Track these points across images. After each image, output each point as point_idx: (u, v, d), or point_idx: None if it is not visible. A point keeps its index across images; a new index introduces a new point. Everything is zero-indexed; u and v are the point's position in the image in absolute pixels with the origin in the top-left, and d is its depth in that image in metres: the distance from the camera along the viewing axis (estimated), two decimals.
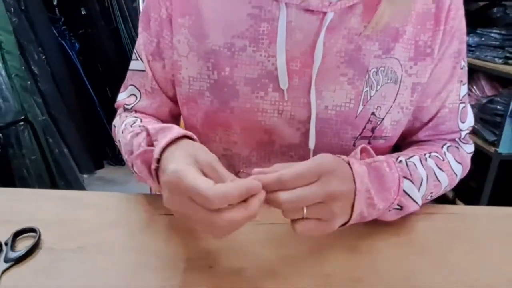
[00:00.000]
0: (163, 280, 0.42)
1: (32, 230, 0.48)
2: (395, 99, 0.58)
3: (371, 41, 0.56)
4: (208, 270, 0.44)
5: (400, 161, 0.53)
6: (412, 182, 0.52)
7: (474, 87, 2.19)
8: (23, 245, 0.47)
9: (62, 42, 2.78)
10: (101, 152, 3.01)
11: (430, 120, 0.63)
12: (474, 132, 2.12)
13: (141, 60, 0.64)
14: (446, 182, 0.59)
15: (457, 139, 0.66)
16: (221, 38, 0.57)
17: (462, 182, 2.11)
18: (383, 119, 0.58)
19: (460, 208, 0.59)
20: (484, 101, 2.06)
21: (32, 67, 2.40)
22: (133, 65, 0.67)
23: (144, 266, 0.45)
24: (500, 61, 1.99)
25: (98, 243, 0.48)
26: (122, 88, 0.70)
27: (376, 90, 0.56)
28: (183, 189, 0.38)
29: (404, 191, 0.51)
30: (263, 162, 0.60)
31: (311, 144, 0.57)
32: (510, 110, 1.83)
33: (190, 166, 0.40)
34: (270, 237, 0.50)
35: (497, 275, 0.44)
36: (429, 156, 0.58)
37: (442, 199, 2.35)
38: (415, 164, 0.54)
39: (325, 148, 0.56)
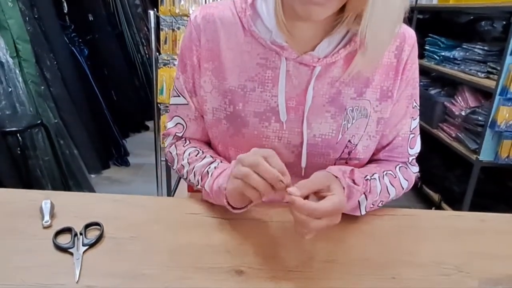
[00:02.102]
0: (194, 260, 0.59)
1: (97, 224, 0.65)
2: (365, 130, 0.74)
3: (349, 87, 0.71)
4: (227, 254, 0.60)
5: (367, 179, 0.70)
6: (369, 195, 0.69)
7: (459, 98, 2.30)
8: (92, 234, 0.63)
9: (72, 48, 2.90)
10: (108, 153, 3.13)
11: (388, 145, 0.80)
12: (458, 140, 2.26)
13: (183, 96, 0.79)
14: (393, 194, 0.75)
15: (406, 162, 0.82)
16: (236, 80, 0.72)
17: (447, 187, 2.24)
18: (356, 145, 0.74)
19: (411, 211, 0.76)
20: (468, 111, 2.17)
21: (45, 73, 2.50)
22: (175, 100, 0.81)
23: (177, 250, 0.61)
24: (483, 75, 2.10)
25: (145, 234, 0.64)
26: (168, 119, 0.86)
27: (352, 123, 0.72)
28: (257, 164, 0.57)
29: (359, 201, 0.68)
30: None
31: (303, 163, 0.74)
32: (490, 121, 1.95)
33: None
34: (269, 231, 0.67)
35: (437, 259, 0.61)
36: (386, 174, 0.75)
37: (429, 201, 2.52)
38: (375, 179, 0.71)
39: (313, 166, 0.73)
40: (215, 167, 0.72)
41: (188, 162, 0.77)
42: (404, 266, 0.59)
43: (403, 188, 0.77)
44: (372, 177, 0.71)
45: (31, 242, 0.61)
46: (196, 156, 0.77)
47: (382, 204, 0.74)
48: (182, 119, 0.82)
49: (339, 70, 0.71)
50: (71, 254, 0.58)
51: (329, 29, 0.70)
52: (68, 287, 0.52)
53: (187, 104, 0.80)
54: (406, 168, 0.80)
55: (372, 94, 0.73)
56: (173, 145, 0.83)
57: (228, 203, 0.66)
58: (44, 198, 0.68)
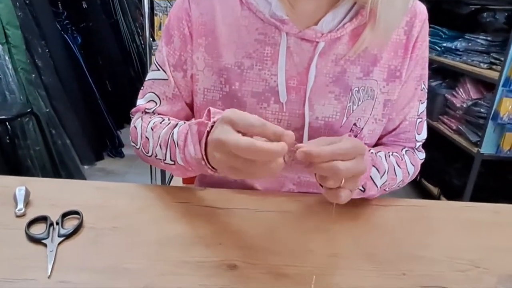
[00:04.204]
0: (182, 253, 0.53)
1: (76, 212, 0.59)
2: (371, 112, 0.69)
3: (354, 65, 0.65)
4: (218, 246, 0.55)
5: (372, 152, 0.65)
6: (378, 170, 0.64)
7: (461, 89, 2.26)
8: (70, 224, 0.57)
9: (65, 36, 2.83)
10: (101, 144, 3.07)
11: (394, 129, 0.75)
12: (458, 133, 2.22)
13: (163, 70, 0.71)
14: (400, 178, 0.70)
15: (413, 147, 0.77)
16: (232, 58, 0.66)
17: (447, 180, 2.21)
18: (362, 128, 0.69)
19: (420, 202, 0.70)
20: (469, 103, 2.14)
21: (36, 60, 2.44)
22: (153, 75, 0.73)
23: (164, 243, 0.55)
24: (485, 66, 2.06)
25: (128, 224, 0.59)
26: (139, 96, 0.77)
27: (358, 105, 0.67)
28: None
29: (370, 177, 0.63)
30: None
31: None
32: (492, 113, 1.92)
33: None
34: (265, 222, 0.61)
35: (450, 254, 0.55)
36: (392, 154, 0.70)
37: (428, 195, 2.47)
38: (381, 157, 0.66)
39: None
40: (178, 134, 0.62)
41: (152, 130, 0.67)
42: (415, 262, 0.54)
43: (409, 174, 0.72)
44: (377, 153, 0.66)
45: (1, 232, 0.55)
46: (160, 123, 0.68)
47: (389, 189, 0.69)
48: (156, 95, 0.73)
49: (344, 46, 0.65)
50: (45, 245, 0.52)
51: (333, 1, 0.64)
52: (38, 282, 0.47)
53: (166, 79, 0.72)
54: (413, 153, 0.75)
55: (379, 73, 0.67)
56: (139, 118, 0.73)
57: (211, 170, 0.56)
58: (19, 184, 0.62)
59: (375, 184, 0.64)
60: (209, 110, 0.57)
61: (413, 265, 0.53)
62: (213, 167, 0.55)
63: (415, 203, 0.69)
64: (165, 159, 0.64)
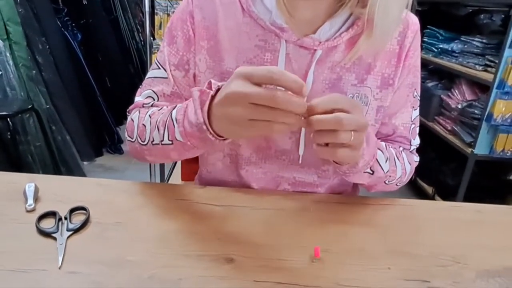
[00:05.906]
0: (182, 247, 0.57)
1: (83, 208, 0.62)
2: None
3: (350, 73, 0.68)
4: (216, 241, 0.58)
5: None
6: (383, 153, 0.67)
7: (456, 91, 2.29)
8: (77, 219, 0.60)
9: (65, 32, 2.84)
10: (101, 140, 3.09)
11: (390, 135, 0.78)
12: (453, 133, 2.25)
13: (164, 69, 0.73)
14: (400, 172, 0.73)
15: (409, 150, 0.80)
16: (234, 62, 0.68)
17: (441, 180, 2.24)
18: None
19: (409, 201, 0.74)
20: (464, 104, 2.18)
21: (37, 57, 2.45)
22: (152, 73, 0.75)
23: (164, 237, 0.59)
24: (480, 68, 2.09)
25: (131, 220, 0.62)
26: (137, 93, 0.76)
27: None
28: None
29: (376, 159, 0.66)
30: (261, 162, 0.75)
31: (301, 151, 0.71)
32: (486, 114, 1.95)
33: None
34: (261, 219, 0.65)
35: (434, 250, 0.59)
36: (391, 147, 0.73)
37: (423, 194, 2.51)
38: (383, 144, 0.70)
39: (311, 154, 0.71)
40: (177, 111, 0.63)
41: (150, 118, 0.68)
42: (400, 257, 0.57)
43: (406, 171, 0.75)
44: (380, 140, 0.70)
45: (13, 226, 0.58)
46: (158, 111, 0.69)
47: (389, 182, 0.72)
48: (154, 92, 0.75)
49: (340, 55, 0.68)
50: (55, 239, 0.56)
51: (331, 11, 0.67)
52: (50, 272, 0.50)
53: (165, 77, 0.74)
54: (410, 153, 0.79)
55: (373, 81, 0.70)
56: (137, 112, 0.74)
57: (214, 135, 0.57)
58: (28, 181, 0.66)
59: (381, 168, 0.67)
60: (210, 82, 0.58)
61: (398, 260, 0.57)
62: (215, 133, 0.57)
63: (404, 203, 0.73)
64: (162, 140, 0.65)
